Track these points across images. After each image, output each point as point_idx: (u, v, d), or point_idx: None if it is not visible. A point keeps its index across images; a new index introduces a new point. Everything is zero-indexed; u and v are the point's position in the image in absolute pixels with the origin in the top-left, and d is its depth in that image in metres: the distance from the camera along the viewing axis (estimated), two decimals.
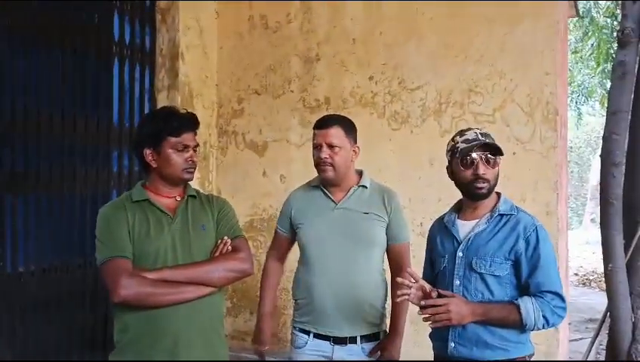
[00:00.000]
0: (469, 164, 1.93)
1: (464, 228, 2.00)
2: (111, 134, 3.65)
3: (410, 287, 1.89)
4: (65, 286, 3.35)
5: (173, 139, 1.93)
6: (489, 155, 1.93)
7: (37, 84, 3.17)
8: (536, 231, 1.91)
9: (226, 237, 1.99)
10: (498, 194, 2.02)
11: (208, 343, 1.93)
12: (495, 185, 1.97)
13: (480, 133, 1.97)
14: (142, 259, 1.88)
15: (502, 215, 1.96)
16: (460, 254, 1.96)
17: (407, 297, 1.89)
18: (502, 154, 1.95)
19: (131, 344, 1.87)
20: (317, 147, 2.28)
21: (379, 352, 2.31)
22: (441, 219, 2.12)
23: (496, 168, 1.95)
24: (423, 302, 1.87)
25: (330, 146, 2.24)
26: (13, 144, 3.02)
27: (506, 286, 1.91)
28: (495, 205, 1.99)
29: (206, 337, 1.93)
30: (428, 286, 1.90)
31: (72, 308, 3.40)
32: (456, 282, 1.95)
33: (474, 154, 1.92)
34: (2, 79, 2.99)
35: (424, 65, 3.57)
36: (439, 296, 1.89)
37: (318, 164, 2.28)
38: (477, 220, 1.99)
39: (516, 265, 1.91)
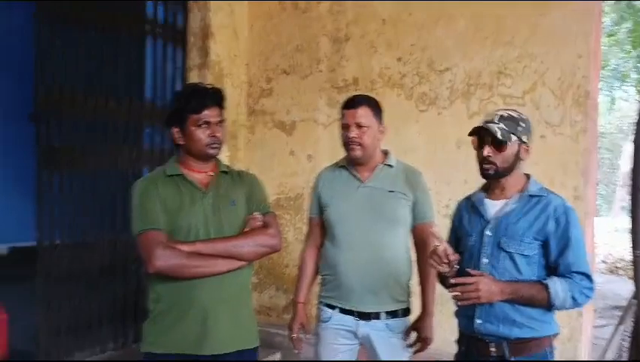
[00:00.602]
0: (478, 144, 1.97)
1: (492, 207, 2.02)
2: (143, 112, 3.74)
3: (444, 262, 1.90)
4: (97, 259, 3.47)
5: (194, 116, 1.97)
6: (493, 139, 1.93)
7: (71, 62, 3.26)
8: (567, 212, 1.92)
9: (256, 213, 2.04)
10: (527, 176, 2.03)
11: (237, 316, 2.00)
12: (508, 167, 1.96)
13: (499, 115, 1.96)
14: (175, 232, 1.94)
15: (532, 196, 1.97)
16: (488, 233, 1.98)
17: (441, 269, 1.92)
18: (500, 141, 1.92)
19: (163, 313, 1.94)
20: (345, 127, 2.31)
21: (413, 332, 2.37)
22: (468, 198, 2.14)
23: (507, 151, 1.93)
24: (452, 281, 1.90)
25: (359, 126, 2.28)
26: (49, 121, 3.12)
27: (534, 266, 1.92)
28: (524, 186, 2.00)
29: (235, 310, 1.99)
30: (451, 250, 1.91)
31: (104, 279, 3.53)
32: (484, 260, 1.96)
33: (498, 135, 1.92)
34: (39, 58, 3.08)
35: (453, 46, 3.54)
36: (468, 274, 1.91)
37: (347, 143, 2.31)
38: (506, 200, 2.00)
39: (545, 246, 1.92)
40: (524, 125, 1.97)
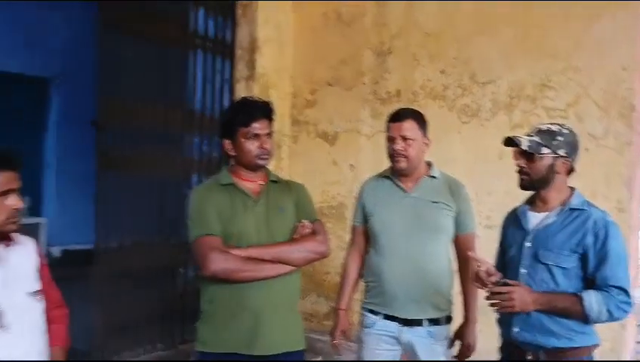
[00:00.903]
0: (515, 156, 2.05)
1: (534, 219, 2.07)
2: (193, 121, 3.91)
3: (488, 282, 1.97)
4: (149, 261, 3.64)
5: (244, 129, 2.07)
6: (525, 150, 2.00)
7: (130, 74, 3.45)
8: (607, 226, 1.94)
9: (305, 221, 2.14)
10: (572, 189, 2.07)
11: (286, 318, 2.10)
12: (541, 179, 2.00)
13: (538, 128, 2.04)
14: (228, 238, 2.04)
15: (573, 209, 2.01)
16: (527, 244, 2.03)
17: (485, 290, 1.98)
18: (529, 153, 1.99)
19: (217, 314, 2.05)
20: (391, 139, 2.40)
21: (457, 341, 2.44)
22: (514, 209, 2.19)
23: (538, 163, 1.98)
24: (488, 290, 1.96)
25: (404, 139, 2.36)
26: (111, 129, 3.31)
27: (572, 278, 1.96)
28: (567, 200, 2.03)
29: (284, 313, 2.09)
30: (492, 270, 1.98)
31: (155, 281, 3.69)
32: (523, 271, 2.02)
33: (523, 146, 2.00)
34: (102, 70, 3.28)
35: (496, 59, 3.59)
36: (505, 284, 1.97)
37: (392, 155, 2.40)
38: (547, 213, 2.04)
39: (583, 259, 1.95)
40: (561, 139, 2.00)
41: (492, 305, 1.97)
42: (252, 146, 2.08)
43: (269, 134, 2.12)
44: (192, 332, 3.86)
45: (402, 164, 2.38)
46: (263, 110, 2.11)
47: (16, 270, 1.75)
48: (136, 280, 3.57)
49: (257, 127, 2.07)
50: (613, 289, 1.90)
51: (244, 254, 2.00)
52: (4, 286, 1.68)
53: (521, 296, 1.92)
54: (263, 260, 2.01)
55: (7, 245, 1.75)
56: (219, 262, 1.96)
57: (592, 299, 1.89)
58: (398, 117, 2.41)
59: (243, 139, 2.08)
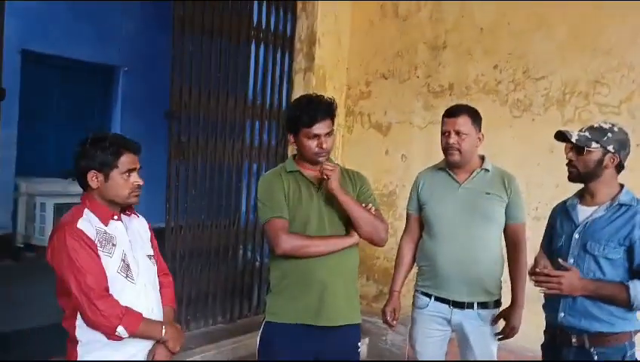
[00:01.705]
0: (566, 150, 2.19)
1: (584, 213, 2.20)
2: (254, 112, 4.14)
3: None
4: (213, 240, 3.91)
5: (305, 130, 2.21)
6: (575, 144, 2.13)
7: (198, 67, 3.70)
8: None
9: (370, 205, 2.32)
10: (621, 186, 2.18)
11: (348, 292, 2.31)
12: (590, 173, 2.13)
13: (589, 125, 2.17)
14: (293, 221, 2.25)
15: (621, 205, 2.12)
16: (576, 236, 2.17)
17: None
18: (579, 147, 2.12)
19: (288, 287, 2.27)
20: (446, 133, 2.55)
21: (502, 319, 2.59)
22: (564, 202, 2.33)
23: (587, 157, 2.11)
24: (538, 270, 2.09)
25: (458, 133, 2.51)
26: (180, 118, 3.58)
27: (618, 269, 2.09)
28: (616, 195, 2.15)
29: (347, 286, 2.31)
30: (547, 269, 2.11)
31: (217, 259, 3.97)
32: (570, 261, 2.16)
33: (573, 139, 2.13)
34: (175, 63, 3.54)
35: (551, 55, 3.66)
36: (558, 267, 2.10)
37: (446, 148, 2.55)
38: (596, 207, 2.17)
39: (630, 251, 2.07)
40: (611, 136, 2.12)
41: (538, 285, 2.09)
42: (312, 145, 2.24)
43: (330, 133, 2.25)
44: (249, 308, 4.16)
45: (455, 157, 2.54)
46: (325, 111, 2.23)
47: (136, 235, 2.06)
48: (199, 259, 3.84)
49: (318, 127, 2.21)
50: None
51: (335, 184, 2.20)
52: (130, 247, 1.99)
53: (570, 281, 2.05)
54: (326, 236, 2.22)
55: (129, 215, 2.07)
56: (288, 242, 2.18)
57: (638, 288, 2.02)
58: (453, 112, 2.56)
59: (304, 138, 2.24)
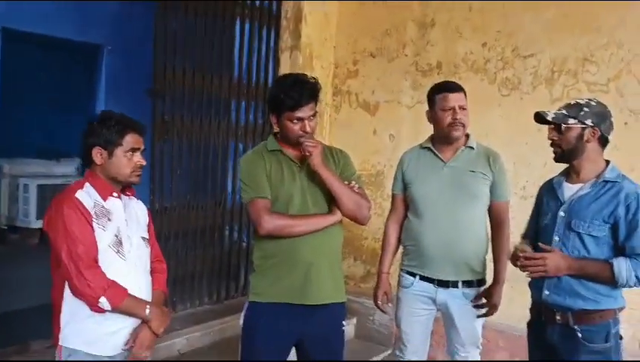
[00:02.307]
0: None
1: (569, 190, 2.19)
2: (240, 90, 4.07)
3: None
4: (198, 221, 3.87)
5: (289, 113, 2.17)
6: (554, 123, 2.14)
7: (182, 44, 3.62)
8: (638, 199, 2.05)
9: (353, 182, 2.29)
10: (607, 162, 2.17)
11: (333, 270, 2.29)
12: (573, 149, 2.13)
13: (565, 103, 2.18)
14: (276, 200, 2.22)
15: (606, 181, 2.12)
16: (561, 214, 2.17)
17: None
18: (557, 124, 2.12)
19: (272, 267, 2.24)
20: (449, 109, 2.50)
21: (483, 298, 2.59)
22: (550, 180, 2.32)
23: (567, 134, 2.11)
24: (521, 254, 2.12)
25: (462, 108, 2.49)
26: (164, 97, 3.51)
27: (602, 246, 2.09)
28: (602, 172, 2.14)
29: (332, 265, 2.28)
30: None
31: (203, 239, 3.93)
32: (556, 238, 2.16)
33: (548, 117, 2.15)
34: (157, 41, 3.46)
35: (539, 33, 3.62)
36: (539, 249, 2.11)
37: (453, 123, 2.50)
38: (582, 184, 2.16)
39: (614, 229, 2.07)
40: (588, 110, 2.11)
41: (524, 270, 2.12)
42: (295, 128, 2.20)
43: (314, 115, 2.21)
44: (236, 288, 4.14)
45: (460, 132, 2.52)
46: (310, 94, 2.18)
47: (133, 216, 2.07)
48: (184, 240, 3.81)
49: (302, 111, 2.17)
50: None
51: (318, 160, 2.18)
52: (125, 225, 2.01)
53: (555, 262, 2.08)
54: (309, 215, 2.19)
55: (129, 196, 2.09)
56: (271, 222, 2.15)
57: (622, 266, 2.02)
58: (453, 88, 2.54)
59: (287, 121, 2.20)
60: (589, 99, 2.18)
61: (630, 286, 2.06)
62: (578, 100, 2.18)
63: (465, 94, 2.54)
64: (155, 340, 2.03)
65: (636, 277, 2.02)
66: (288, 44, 4.32)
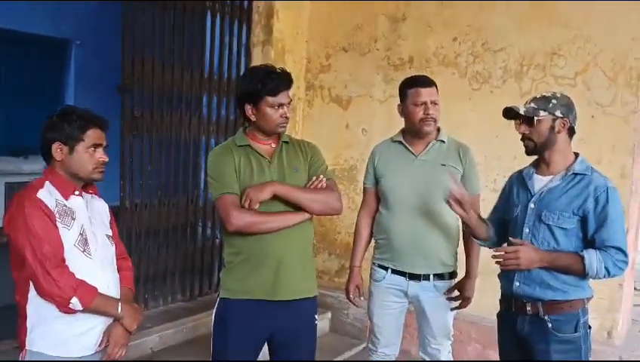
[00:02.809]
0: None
1: (539, 182, 2.22)
2: (211, 85, 4.03)
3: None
4: (169, 218, 3.83)
5: (270, 99, 2.17)
6: (524, 117, 2.17)
7: (151, 39, 3.55)
8: (607, 191, 2.09)
9: (321, 176, 2.27)
10: (576, 155, 2.20)
11: (304, 265, 2.27)
12: (545, 142, 2.15)
13: (532, 98, 2.21)
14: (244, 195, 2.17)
15: (576, 174, 2.14)
16: (531, 206, 2.19)
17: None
18: (527, 118, 2.15)
19: (240, 264, 2.22)
20: (421, 104, 2.50)
21: (456, 291, 2.61)
22: (520, 171, 2.34)
23: (538, 127, 2.14)
24: (494, 249, 2.16)
25: (434, 103, 2.49)
26: (133, 92, 3.45)
27: (571, 238, 2.12)
28: (571, 164, 2.17)
29: (302, 260, 2.26)
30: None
31: (175, 237, 3.89)
32: (526, 230, 2.19)
33: (521, 111, 2.17)
34: (125, 36, 3.40)
35: (509, 27, 3.65)
36: (510, 243, 2.15)
37: (424, 119, 2.50)
38: (552, 176, 2.19)
39: (583, 221, 2.10)
40: (555, 102, 2.15)
41: (499, 263, 2.14)
42: (275, 115, 2.19)
43: (290, 103, 2.25)
44: (209, 285, 4.11)
45: (431, 127, 2.53)
46: (288, 81, 2.21)
47: (96, 214, 2.03)
48: (156, 237, 3.76)
49: (283, 97, 2.19)
50: (611, 249, 2.07)
51: (269, 190, 2.13)
52: (90, 223, 1.96)
53: (527, 254, 2.10)
54: (279, 212, 2.17)
55: (90, 194, 2.03)
56: (240, 218, 2.12)
57: (593, 258, 2.06)
58: (426, 82, 2.54)
59: (267, 108, 2.18)
60: (553, 92, 2.22)
61: (600, 278, 2.09)
62: (544, 94, 2.21)
63: (437, 88, 2.55)
64: (128, 337, 2.00)
65: (606, 268, 2.05)
66: (260, 39, 4.29)
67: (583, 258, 2.07)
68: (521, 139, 2.22)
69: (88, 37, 6.89)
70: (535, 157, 2.27)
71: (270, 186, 2.15)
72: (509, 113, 2.22)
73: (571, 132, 2.19)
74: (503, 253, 2.13)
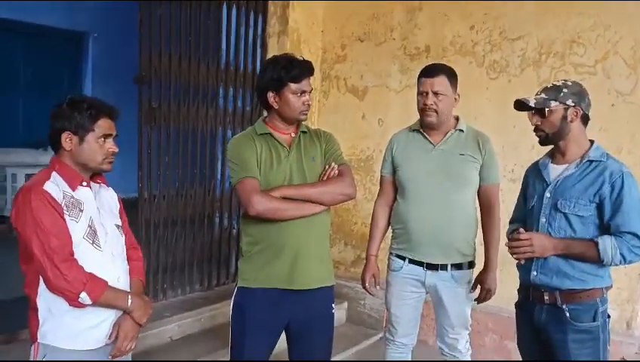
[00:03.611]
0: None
1: (554, 171, 2.20)
2: (228, 76, 4.04)
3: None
4: (188, 209, 3.86)
5: (293, 86, 2.19)
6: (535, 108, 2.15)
7: (169, 31, 3.56)
8: (623, 177, 2.06)
9: (333, 164, 2.28)
10: (591, 142, 2.18)
11: (321, 255, 2.29)
12: (558, 132, 2.14)
13: (542, 88, 2.19)
14: (263, 184, 2.19)
15: (591, 161, 2.12)
16: (547, 195, 2.18)
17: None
18: (538, 109, 2.13)
19: (260, 252, 2.23)
20: (423, 93, 2.51)
21: (478, 285, 2.61)
22: (536, 162, 2.33)
23: (550, 117, 2.12)
24: (508, 239, 2.16)
25: (435, 94, 2.47)
26: (150, 83, 3.47)
27: (588, 226, 2.10)
28: (586, 152, 2.15)
29: (319, 249, 2.28)
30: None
31: (193, 227, 3.92)
32: (542, 220, 2.17)
33: (531, 103, 2.15)
34: (143, 27, 3.41)
35: (527, 15, 3.61)
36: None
37: (423, 109, 2.51)
38: (567, 165, 2.17)
39: (600, 208, 2.08)
40: (566, 90, 2.13)
41: (513, 253, 2.14)
42: (298, 102, 2.21)
43: (311, 91, 2.27)
44: (227, 275, 4.14)
45: (432, 118, 2.50)
46: (309, 69, 2.23)
47: (105, 204, 2.01)
48: (174, 227, 3.78)
49: (306, 84, 2.21)
50: (627, 234, 2.04)
51: (278, 194, 2.16)
52: (98, 214, 1.94)
53: (540, 242, 2.09)
54: (298, 200, 2.18)
55: (99, 184, 2.01)
56: (261, 203, 2.12)
57: (607, 244, 2.03)
58: (430, 72, 2.51)
59: (290, 95, 2.20)
60: (564, 81, 2.19)
61: (616, 264, 2.07)
62: (554, 83, 2.19)
63: (448, 77, 2.50)
64: (138, 330, 1.98)
65: (621, 254, 2.03)
66: (276, 30, 4.29)
67: (597, 244, 2.05)
68: (534, 130, 2.21)
69: (105, 29, 6.95)
70: (551, 146, 2.26)
71: (278, 191, 2.17)
72: (521, 106, 2.20)
73: (585, 120, 2.17)
74: (516, 241, 2.12)
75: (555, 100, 2.12)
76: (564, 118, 2.13)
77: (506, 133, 3.63)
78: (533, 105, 2.15)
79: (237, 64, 4.11)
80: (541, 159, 2.30)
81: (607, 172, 2.08)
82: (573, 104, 2.12)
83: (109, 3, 6.69)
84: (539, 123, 2.16)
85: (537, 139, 2.24)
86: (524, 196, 2.36)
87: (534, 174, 2.30)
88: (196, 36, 3.76)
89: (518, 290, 2.34)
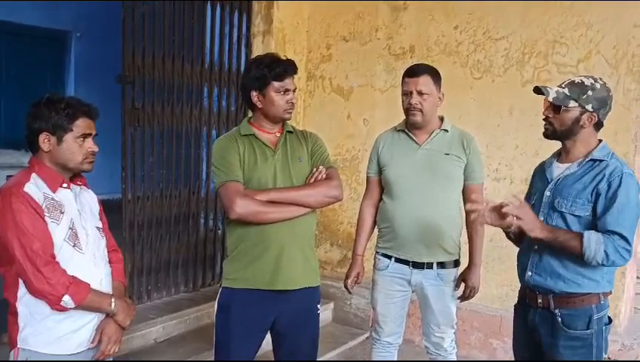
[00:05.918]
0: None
1: (557, 170, 2.14)
2: (212, 76, 4.01)
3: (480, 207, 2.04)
4: (172, 210, 3.82)
5: (277, 84, 2.19)
6: (552, 102, 2.05)
7: (152, 30, 3.53)
8: (622, 177, 1.97)
9: (321, 167, 2.27)
10: (599, 141, 2.11)
11: (305, 256, 2.28)
12: (566, 131, 2.06)
13: (570, 80, 2.07)
14: (248, 184, 2.19)
15: (594, 160, 2.05)
16: (547, 193, 2.12)
17: (480, 218, 2.05)
18: (555, 105, 2.03)
19: (244, 252, 2.22)
20: (407, 93, 2.52)
21: (462, 283, 2.62)
22: (543, 162, 2.26)
23: (564, 115, 2.03)
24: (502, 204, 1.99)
25: (420, 93, 2.48)
26: (133, 83, 3.43)
27: (586, 226, 2.01)
28: (591, 151, 2.07)
29: (304, 250, 2.27)
30: (498, 202, 2.03)
31: (178, 228, 3.88)
32: (540, 218, 2.08)
33: (549, 97, 2.05)
34: (125, 27, 3.38)
35: (510, 16, 3.64)
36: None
37: (408, 109, 2.52)
38: (570, 163, 2.11)
39: (595, 206, 2.00)
40: (591, 93, 2.01)
41: (504, 213, 1.97)
42: (282, 101, 2.21)
43: (295, 90, 2.26)
44: (212, 277, 4.12)
45: (417, 117, 2.51)
46: (293, 68, 2.24)
47: (85, 206, 1.97)
48: (158, 228, 3.75)
49: (289, 82, 2.21)
50: (615, 234, 1.94)
51: (265, 197, 2.15)
52: (79, 216, 1.90)
53: (532, 217, 1.99)
54: (282, 203, 2.16)
55: (79, 186, 1.98)
56: (243, 206, 2.11)
57: (592, 238, 1.94)
58: (414, 72, 2.52)
59: (274, 93, 2.19)
60: (594, 80, 2.05)
61: (597, 263, 1.95)
62: (584, 80, 2.05)
63: (432, 77, 2.51)
64: (122, 333, 1.96)
65: (605, 252, 1.93)
66: (260, 29, 4.27)
67: (581, 236, 1.95)
68: (544, 120, 2.11)
69: (88, 28, 6.88)
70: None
71: (264, 195, 2.16)
72: (540, 92, 2.09)
73: (599, 125, 2.09)
74: (508, 205, 1.96)
75: (576, 101, 2.01)
76: (577, 120, 2.04)
77: (490, 133, 3.65)
78: (550, 100, 2.05)
79: (221, 64, 4.08)
80: (548, 158, 2.24)
81: (608, 170, 2.01)
82: (591, 110, 2.02)
83: (92, 2, 6.62)
84: (550, 115, 2.07)
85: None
86: (528, 195, 2.30)
87: (538, 173, 2.25)
88: (180, 35, 3.74)
89: (519, 291, 2.28)
